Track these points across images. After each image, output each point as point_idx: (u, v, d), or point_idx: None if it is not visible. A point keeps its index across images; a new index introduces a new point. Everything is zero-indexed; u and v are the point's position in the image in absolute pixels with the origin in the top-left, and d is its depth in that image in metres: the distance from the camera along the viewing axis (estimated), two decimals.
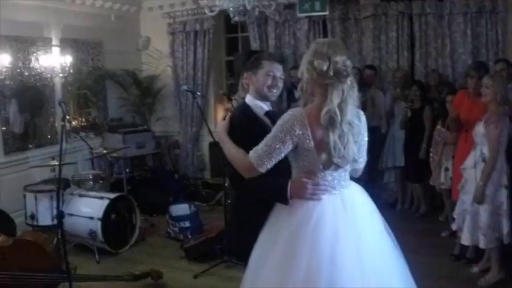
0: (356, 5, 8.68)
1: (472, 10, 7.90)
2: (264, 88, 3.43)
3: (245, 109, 3.48)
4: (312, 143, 2.83)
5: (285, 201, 2.96)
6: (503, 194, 5.11)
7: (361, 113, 3.03)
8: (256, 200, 3.18)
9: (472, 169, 5.32)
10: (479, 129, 5.19)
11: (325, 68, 2.81)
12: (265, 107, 3.50)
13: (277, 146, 2.85)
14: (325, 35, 8.87)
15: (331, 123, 2.80)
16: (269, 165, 2.88)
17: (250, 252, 3.04)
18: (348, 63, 2.87)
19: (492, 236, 5.14)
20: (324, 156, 2.86)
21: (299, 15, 8.69)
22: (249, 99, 3.50)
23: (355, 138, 2.93)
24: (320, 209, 2.88)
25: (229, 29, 10.12)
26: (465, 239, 5.41)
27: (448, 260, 5.94)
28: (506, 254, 5.32)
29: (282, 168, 3.00)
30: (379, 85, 8.43)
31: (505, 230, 5.12)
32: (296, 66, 8.29)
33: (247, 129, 3.25)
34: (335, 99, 2.81)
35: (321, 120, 2.81)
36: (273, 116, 3.44)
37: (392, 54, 8.50)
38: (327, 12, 8.48)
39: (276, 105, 3.75)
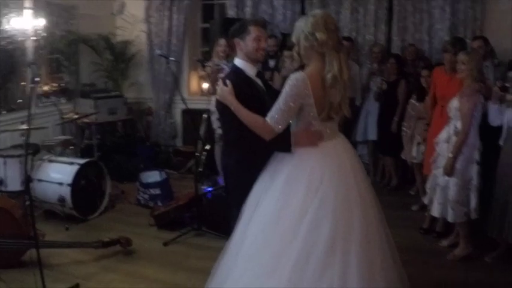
0: None
1: None
2: (254, 51, 3.83)
3: (239, 72, 3.84)
4: (313, 100, 3.33)
5: (289, 149, 3.43)
6: (474, 169, 5.16)
7: None
8: (256, 161, 3.62)
9: (444, 143, 5.36)
10: (454, 103, 5.22)
11: (325, 39, 3.32)
12: (255, 68, 3.92)
13: (289, 109, 3.36)
14: (302, 5, 8.84)
15: (334, 84, 3.33)
16: (285, 125, 3.41)
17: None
18: None
19: (460, 210, 5.21)
20: (322, 110, 3.38)
21: None
22: (240, 62, 3.88)
23: (346, 94, 3.47)
24: (316, 152, 3.42)
25: None
26: (435, 211, 5.50)
27: (417, 233, 6.03)
28: (474, 229, 5.39)
29: None
30: (355, 57, 8.39)
31: (473, 205, 5.18)
32: (272, 36, 8.26)
33: (245, 90, 3.65)
34: (335, 65, 3.33)
35: (327, 81, 3.33)
36: (262, 75, 4.01)
37: (370, 27, 8.49)
38: None
39: None
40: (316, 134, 3.44)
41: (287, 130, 3.48)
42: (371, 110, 8.02)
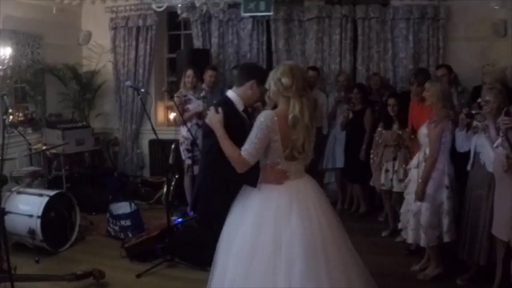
0: (300, 7, 8.76)
1: (414, 16, 8.16)
2: (253, 100, 4.31)
3: (229, 104, 4.09)
4: (279, 137, 3.63)
5: (254, 185, 3.70)
6: (444, 194, 5.27)
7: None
8: (227, 186, 3.91)
9: (415, 169, 5.50)
10: (423, 130, 5.40)
11: (289, 84, 3.67)
12: (243, 105, 4.17)
13: (260, 142, 3.62)
14: (268, 36, 8.96)
15: (295, 124, 3.64)
16: (256, 158, 3.67)
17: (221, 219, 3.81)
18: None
19: (433, 234, 5.32)
20: (286, 149, 3.66)
21: (243, 14, 8.68)
22: (233, 96, 4.15)
23: (310, 138, 3.76)
24: (282, 189, 3.69)
25: (172, 26, 10.08)
26: (408, 237, 5.61)
27: (389, 258, 6.06)
28: (445, 253, 5.51)
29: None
30: (321, 87, 8.50)
31: (445, 228, 5.30)
32: (236, 66, 8.34)
33: (232, 121, 3.90)
34: (297, 107, 3.65)
35: (288, 122, 3.62)
36: (247, 112, 4.30)
37: (335, 57, 8.65)
38: (271, 13, 8.51)
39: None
40: (282, 173, 3.72)
41: (256, 167, 3.74)
42: (338, 137, 8.10)
